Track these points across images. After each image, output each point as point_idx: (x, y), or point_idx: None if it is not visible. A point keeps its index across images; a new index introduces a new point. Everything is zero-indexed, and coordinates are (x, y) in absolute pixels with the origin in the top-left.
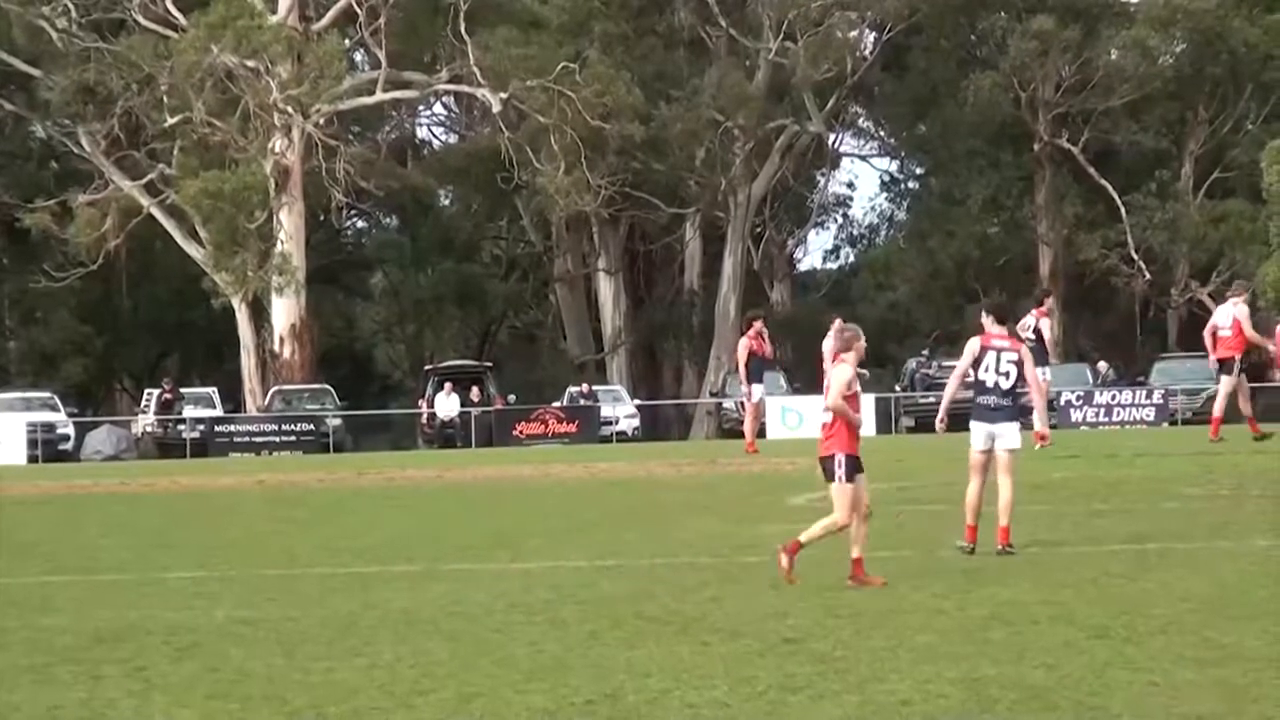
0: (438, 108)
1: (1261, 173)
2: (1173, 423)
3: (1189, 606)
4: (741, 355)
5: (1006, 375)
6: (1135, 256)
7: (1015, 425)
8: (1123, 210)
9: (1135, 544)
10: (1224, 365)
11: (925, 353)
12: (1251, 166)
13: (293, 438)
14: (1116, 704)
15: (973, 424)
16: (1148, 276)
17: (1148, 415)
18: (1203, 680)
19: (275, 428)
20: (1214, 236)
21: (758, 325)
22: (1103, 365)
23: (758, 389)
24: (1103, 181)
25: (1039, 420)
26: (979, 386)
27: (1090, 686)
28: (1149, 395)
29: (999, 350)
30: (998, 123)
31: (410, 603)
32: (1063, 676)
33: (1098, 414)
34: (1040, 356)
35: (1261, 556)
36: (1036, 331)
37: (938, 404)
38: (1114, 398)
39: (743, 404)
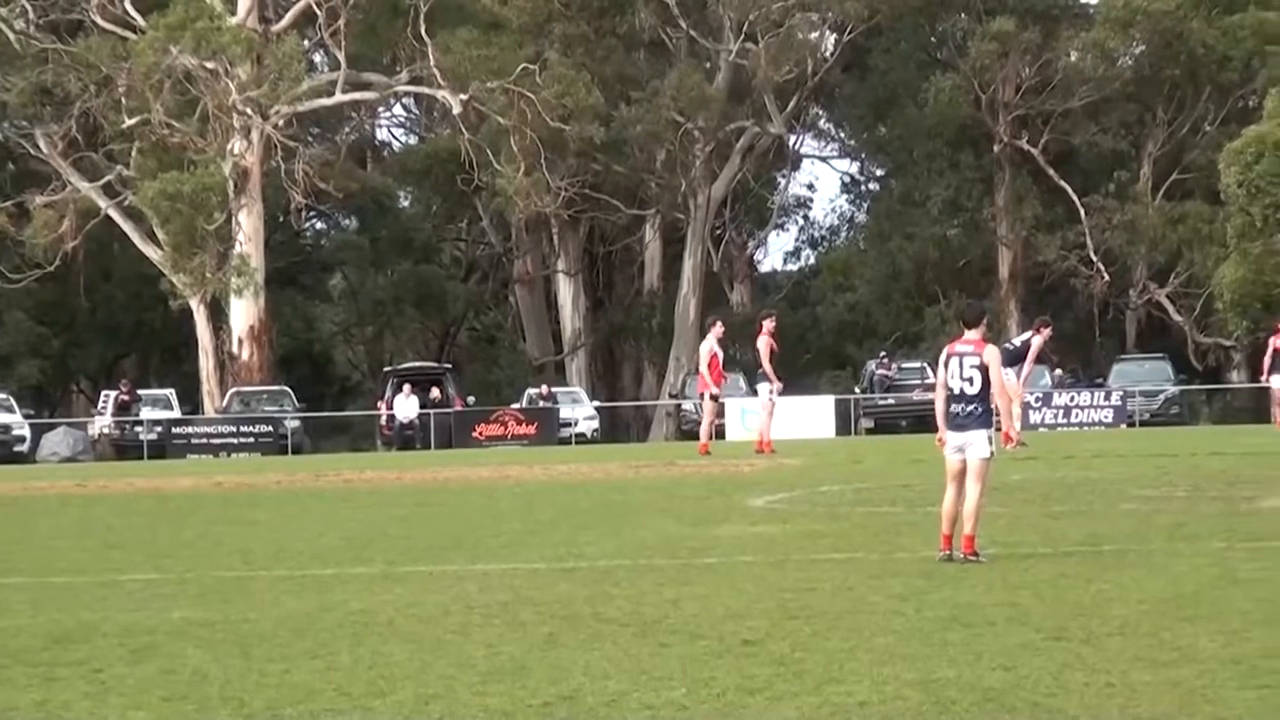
0: (397, 109)
1: (1219, 174)
2: (1131, 424)
3: (1145, 608)
4: (764, 353)
5: (970, 381)
6: (1094, 258)
7: (984, 433)
8: (1082, 212)
9: (1092, 546)
10: None
11: (884, 354)
12: (1209, 168)
13: (251, 439)
14: (1073, 706)
15: (946, 433)
16: (1106, 278)
17: (1106, 417)
18: (1158, 682)
19: (233, 429)
20: (1172, 238)
21: (770, 324)
22: (1058, 372)
23: (777, 387)
24: (1062, 183)
25: (1005, 420)
26: (951, 394)
27: (1047, 688)
28: (1107, 397)
29: (961, 356)
30: (957, 124)
31: (368, 604)
32: (1020, 678)
33: (1056, 416)
34: (1012, 359)
35: (1217, 558)
36: (1027, 343)
37: (897, 405)
38: (1072, 399)
39: (701, 404)
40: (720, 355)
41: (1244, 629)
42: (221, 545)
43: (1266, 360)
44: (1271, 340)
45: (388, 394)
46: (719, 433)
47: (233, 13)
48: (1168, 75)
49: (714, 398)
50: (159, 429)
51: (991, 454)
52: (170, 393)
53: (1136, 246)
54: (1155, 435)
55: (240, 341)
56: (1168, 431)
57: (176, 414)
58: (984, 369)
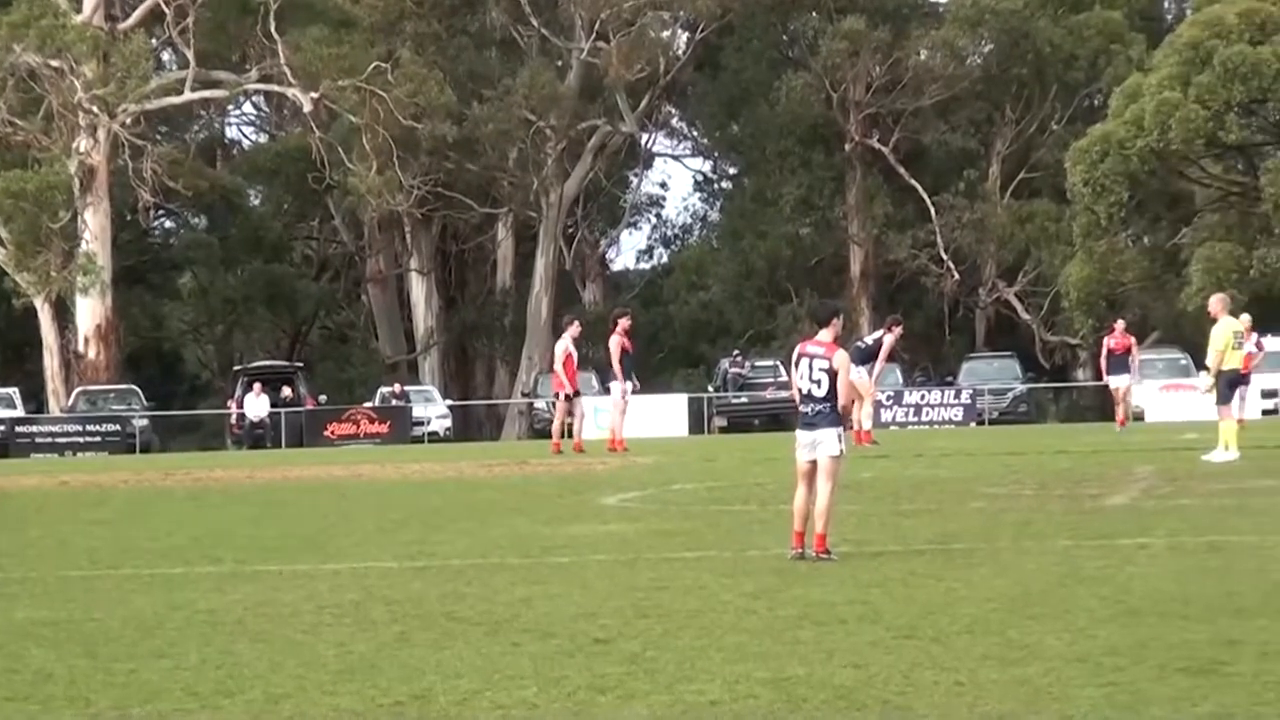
0: (247, 107)
1: (1066, 173)
2: (980, 422)
3: (993, 606)
4: (615, 352)
5: (818, 383)
6: (944, 256)
7: (834, 431)
8: (932, 210)
9: (942, 544)
10: None
11: (737, 353)
12: (1056, 167)
13: (98, 438)
14: (922, 704)
15: (797, 432)
16: (956, 276)
17: (955, 415)
18: (1006, 679)
19: (79, 428)
20: (1020, 236)
21: (625, 323)
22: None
23: (629, 385)
24: (912, 181)
25: (855, 419)
26: (800, 394)
27: (897, 686)
28: (957, 395)
29: (811, 358)
30: (809, 123)
31: (216, 604)
32: (870, 676)
33: (907, 414)
34: (864, 357)
35: (1063, 556)
36: (879, 342)
37: (750, 404)
38: (923, 398)
39: (553, 404)
40: (575, 354)
41: (1089, 627)
42: (67, 544)
43: (1103, 360)
44: (1106, 340)
45: (238, 393)
46: (570, 431)
47: (78, 10)
48: (1015, 74)
49: (568, 396)
50: (1, 428)
51: (841, 452)
52: (13, 391)
53: (985, 245)
54: (1004, 433)
55: (86, 340)
56: (1016, 430)
57: (20, 413)
58: (832, 373)
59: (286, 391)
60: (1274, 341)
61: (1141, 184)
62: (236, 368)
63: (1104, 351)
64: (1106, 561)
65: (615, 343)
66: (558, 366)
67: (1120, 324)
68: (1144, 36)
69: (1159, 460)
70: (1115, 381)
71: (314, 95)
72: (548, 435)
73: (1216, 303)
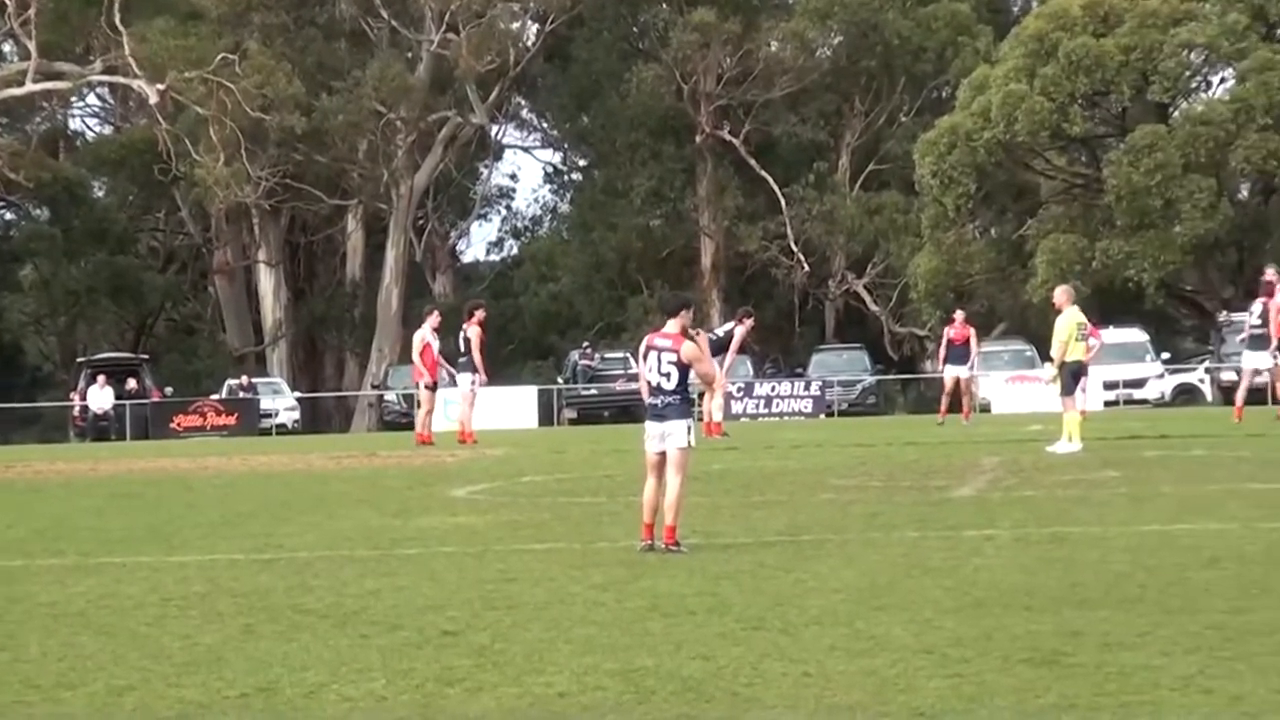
0: (91, 99)
1: (914, 165)
2: (829, 414)
3: (841, 597)
4: (475, 343)
5: (668, 376)
6: (795, 248)
7: (683, 424)
8: (782, 202)
9: (791, 535)
10: None
11: (587, 344)
12: (905, 158)
13: None
14: (771, 695)
15: (646, 424)
16: (806, 268)
17: (805, 407)
18: (853, 671)
19: None
20: (869, 228)
21: (480, 314)
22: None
23: (479, 378)
24: (763, 173)
25: (705, 411)
26: (649, 387)
27: (746, 678)
28: (807, 387)
29: (660, 351)
30: (660, 115)
31: (58, 596)
32: (719, 668)
33: (757, 405)
34: (715, 349)
35: (910, 547)
36: (730, 334)
37: (600, 395)
38: (773, 389)
39: (410, 397)
40: (435, 344)
41: (935, 618)
42: None
43: (942, 350)
44: (946, 330)
45: (81, 385)
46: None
47: None
48: (864, 66)
49: (428, 386)
50: None
51: (691, 444)
52: None
53: (835, 236)
54: (853, 425)
55: None
56: (865, 421)
57: None
58: (681, 366)
59: (132, 383)
60: (1115, 333)
61: (988, 176)
62: (80, 359)
63: (944, 341)
64: (953, 553)
65: (475, 334)
66: (415, 357)
67: (960, 314)
68: (991, 29)
69: (1005, 452)
70: (951, 371)
71: (160, 87)
72: (397, 428)
73: (1061, 294)
